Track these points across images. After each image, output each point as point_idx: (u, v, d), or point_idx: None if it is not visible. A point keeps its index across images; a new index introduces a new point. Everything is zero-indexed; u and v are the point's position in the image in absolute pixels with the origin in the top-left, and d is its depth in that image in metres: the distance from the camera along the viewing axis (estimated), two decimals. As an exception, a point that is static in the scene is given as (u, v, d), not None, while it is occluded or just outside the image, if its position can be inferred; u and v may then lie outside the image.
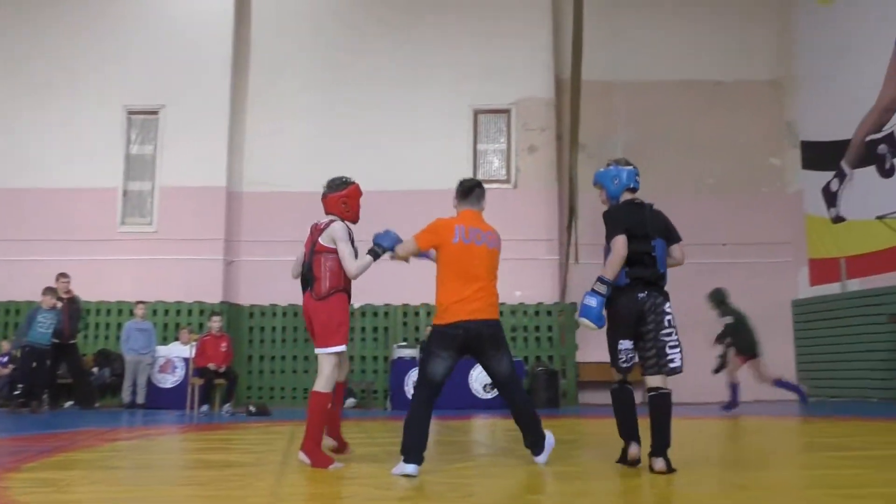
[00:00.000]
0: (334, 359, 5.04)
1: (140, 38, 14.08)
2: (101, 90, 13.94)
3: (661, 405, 4.47)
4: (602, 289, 4.53)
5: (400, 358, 12.13)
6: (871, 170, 12.30)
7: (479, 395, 11.77)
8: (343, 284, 5.10)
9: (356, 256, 5.05)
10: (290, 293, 13.53)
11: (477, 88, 14.18)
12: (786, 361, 13.82)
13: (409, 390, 11.77)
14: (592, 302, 4.53)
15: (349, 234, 5.13)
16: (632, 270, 4.57)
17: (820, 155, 13.56)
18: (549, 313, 13.35)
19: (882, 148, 12.08)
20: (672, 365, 4.50)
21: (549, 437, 4.81)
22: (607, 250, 4.60)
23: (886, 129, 11.99)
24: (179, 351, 12.09)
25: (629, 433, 4.67)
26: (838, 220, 13.05)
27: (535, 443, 4.81)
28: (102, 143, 13.86)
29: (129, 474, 4.78)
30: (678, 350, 4.53)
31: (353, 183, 5.28)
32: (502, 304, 13.02)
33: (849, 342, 12.50)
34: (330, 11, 14.64)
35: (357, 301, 13.41)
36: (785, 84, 14.57)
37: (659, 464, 4.36)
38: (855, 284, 12.61)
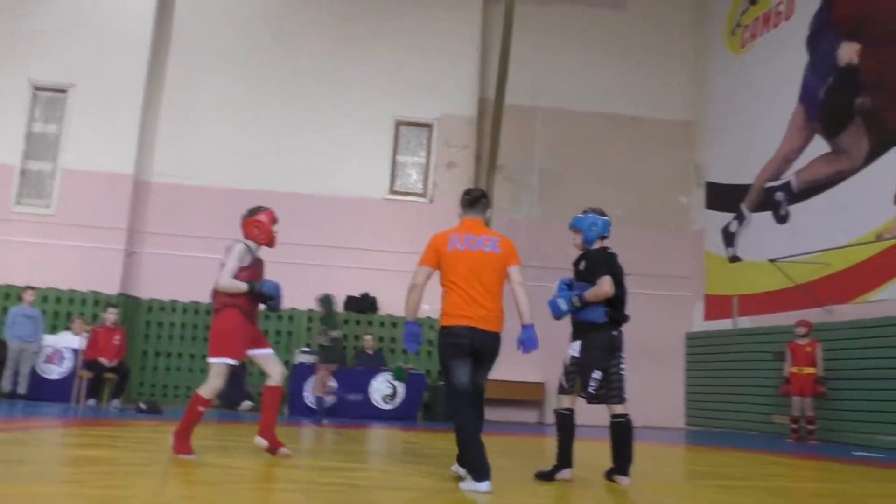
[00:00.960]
0: (221, 369, 5.27)
1: (55, 14, 13.47)
2: (5, 61, 13.25)
3: (627, 429, 5.03)
4: (576, 301, 5.01)
5: (301, 363, 11.95)
6: (768, 215, 12.97)
7: (379, 405, 11.72)
8: (233, 300, 5.31)
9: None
10: (192, 290, 13.19)
11: (401, 100, 14.22)
12: (676, 392, 14.37)
13: (308, 396, 11.62)
14: (562, 305, 5.05)
15: (251, 257, 5.50)
16: (610, 311, 5.08)
17: (722, 196, 14.21)
18: (454, 329, 13.42)
19: (779, 195, 12.76)
20: (625, 395, 5.11)
21: (487, 485, 4.30)
22: (587, 285, 5.04)
23: (784, 178, 12.69)
24: (69, 341, 11.54)
25: (568, 459, 5.01)
26: (735, 259, 13.69)
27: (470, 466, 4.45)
28: (2, 117, 13.17)
29: (1, 469, 4.52)
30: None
31: (266, 210, 5.64)
32: (409, 316, 13.14)
33: (736, 377, 13.09)
34: (258, 9, 14.41)
35: (262, 303, 13.17)
36: (696, 126, 15.22)
37: (626, 481, 4.93)
38: (745, 322, 13.24)
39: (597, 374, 4.99)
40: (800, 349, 10.83)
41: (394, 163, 14.25)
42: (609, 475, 5.06)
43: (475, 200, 4.91)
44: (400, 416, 11.62)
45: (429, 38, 14.39)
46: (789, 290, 11.91)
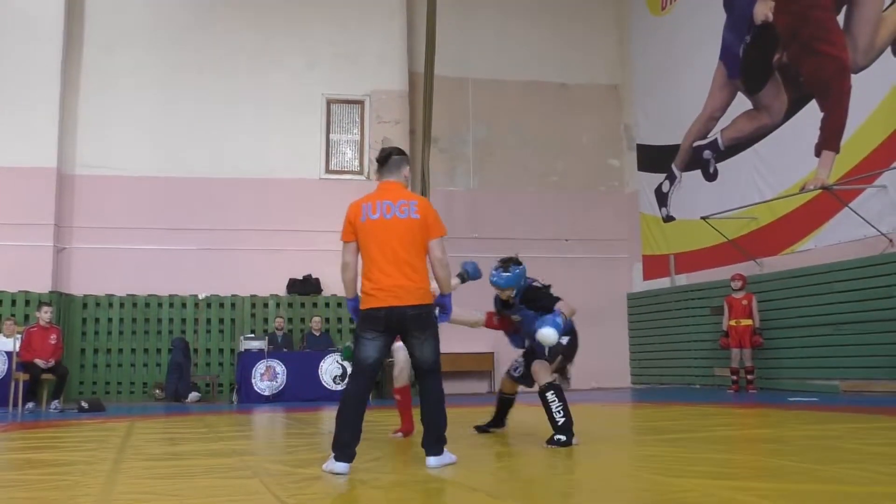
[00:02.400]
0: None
1: (-42, 2, 12.83)
2: None
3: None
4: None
5: (247, 350, 11.81)
6: (697, 173, 13.30)
7: (330, 387, 11.69)
8: None
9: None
10: (127, 283, 12.87)
11: (330, 77, 14.03)
12: (620, 350, 14.72)
13: (257, 383, 11.51)
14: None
15: None
16: None
17: (653, 158, 14.50)
18: (399, 305, 13.44)
19: (707, 153, 13.08)
20: None
21: (451, 455, 4.32)
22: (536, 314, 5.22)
23: (711, 136, 13.00)
24: (2, 344, 11.14)
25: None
26: (669, 219, 14.02)
27: (431, 444, 4.29)
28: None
29: (-60, 478, 4.36)
30: None
31: None
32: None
33: (676, 333, 13.47)
34: (176, -12, 13.96)
35: (202, 291, 12.96)
36: (623, 89, 15.45)
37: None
38: (682, 279, 13.60)
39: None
40: (736, 302, 11.18)
41: (327, 141, 14.08)
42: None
43: (385, 158, 4.47)
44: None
45: (354, 14, 14.21)
46: (722, 245, 12.27)
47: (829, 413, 7.15)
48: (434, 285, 4.47)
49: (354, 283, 4.46)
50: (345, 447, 4.13)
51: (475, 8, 15.00)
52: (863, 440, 5.04)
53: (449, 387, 11.91)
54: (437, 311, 4.59)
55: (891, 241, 9.57)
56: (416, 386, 4.60)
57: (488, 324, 5.76)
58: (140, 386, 12.64)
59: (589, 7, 15.55)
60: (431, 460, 4.22)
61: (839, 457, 4.30)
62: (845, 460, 4.14)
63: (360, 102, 14.23)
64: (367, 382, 4.32)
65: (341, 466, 4.09)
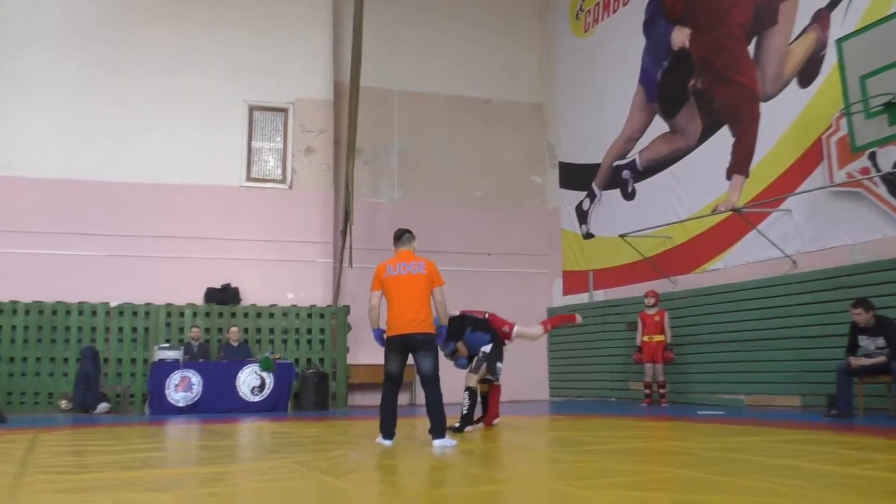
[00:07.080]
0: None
1: None
2: None
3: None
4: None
5: (161, 360, 11.44)
6: (616, 192, 13.69)
7: (247, 398, 11.46)
8: None
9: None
10: (34, 289, 12.33)
11: (253, 84, 13.84)
12: (540, 363, 14.95)
13: (171, 393, 11.19)
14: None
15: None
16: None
17: (575, 176, 14.84)
18: (321, 316, 13.33)
19: (626, 173, 13.48)
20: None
21: (451, 440, 5.97)
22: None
23: (629, 157, 13.41)
24: None
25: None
26: (588, 236, 14.36)
27: (434, 430, 5.96)
28: None
29: None
30: None
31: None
32: (274, 305, 12.94)
33: (593, 347, 13.78)
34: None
35: (114, 299, 12.53)
36: (546, 108, 15.79)
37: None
38: (600, 295, 13.94)
39: (500, 365, 7.57)
40: (649, 318, 11.52)
41: (249, 148, 13.87)
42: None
43: (398, 237, 6.53)
44: (269, 408, 11.41)
45: (279, 21, 14.10)
46: (639, 263, 12.64)
47: (735, 426, 7.44)
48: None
49: (377, 320, 6.30)
50: (386, 429, 6.12)
51: (402, 21, 15.09)
52: (765, 453, 5.27)
53: (368, 399, 11.87)
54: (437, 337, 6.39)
55: (794, 262, 10.06)
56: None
57: (546, 329, 8.59)
58: (45, 396, 12.10)
59: (514, 26, 15.84)
60: (437, 443, 5.86)
61: (743, 468, 4.48)
62: (749, 472, 4.32)
63: (284, 110, 14.08)
64: (395, 385, 6.30)
65: (387, 442, 6.05)
